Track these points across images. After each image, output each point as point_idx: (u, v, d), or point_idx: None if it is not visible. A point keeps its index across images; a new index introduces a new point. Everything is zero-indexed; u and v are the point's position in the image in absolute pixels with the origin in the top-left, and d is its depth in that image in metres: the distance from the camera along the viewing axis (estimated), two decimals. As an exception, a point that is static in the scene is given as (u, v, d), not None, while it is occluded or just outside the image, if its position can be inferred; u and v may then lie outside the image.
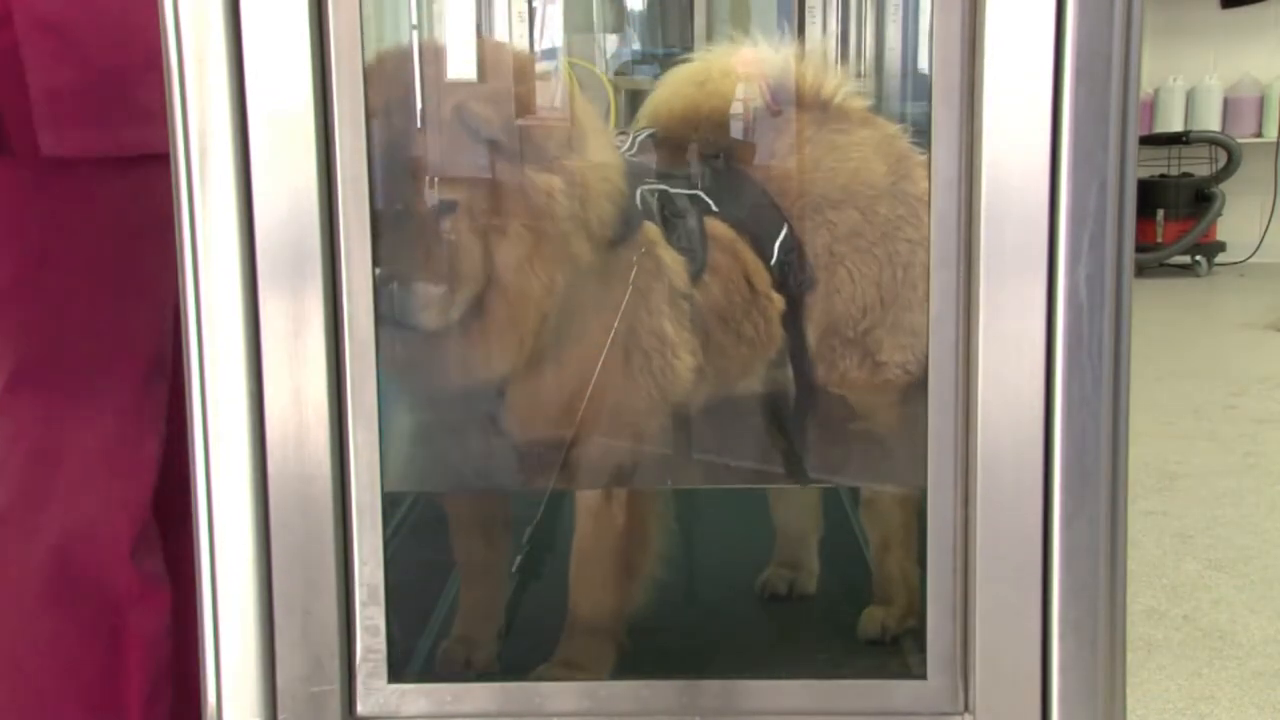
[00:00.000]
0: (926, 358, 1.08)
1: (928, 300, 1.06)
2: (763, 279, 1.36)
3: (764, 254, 1.36)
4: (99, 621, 1.43)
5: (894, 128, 1.44)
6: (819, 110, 1.42)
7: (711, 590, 1.59)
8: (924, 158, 1.24)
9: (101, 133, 1.34)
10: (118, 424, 1.42)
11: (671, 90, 1.43)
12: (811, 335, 1.38)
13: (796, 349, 1.38)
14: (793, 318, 1.37)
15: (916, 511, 1.36)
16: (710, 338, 1.33)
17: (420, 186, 1.21)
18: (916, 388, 1.27)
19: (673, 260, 1.31)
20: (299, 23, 1.00)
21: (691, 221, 1.34)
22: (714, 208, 1.35)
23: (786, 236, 1.36)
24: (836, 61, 1.56)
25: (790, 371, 1.39)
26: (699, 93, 1.41)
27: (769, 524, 1.62)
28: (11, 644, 1.43)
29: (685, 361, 1.31)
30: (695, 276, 1.33)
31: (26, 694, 1.43)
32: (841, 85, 1.43)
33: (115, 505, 1.42)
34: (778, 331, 1.37)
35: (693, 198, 1.35)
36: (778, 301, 1.36)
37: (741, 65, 1.41)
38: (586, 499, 1.35)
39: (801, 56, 1.46)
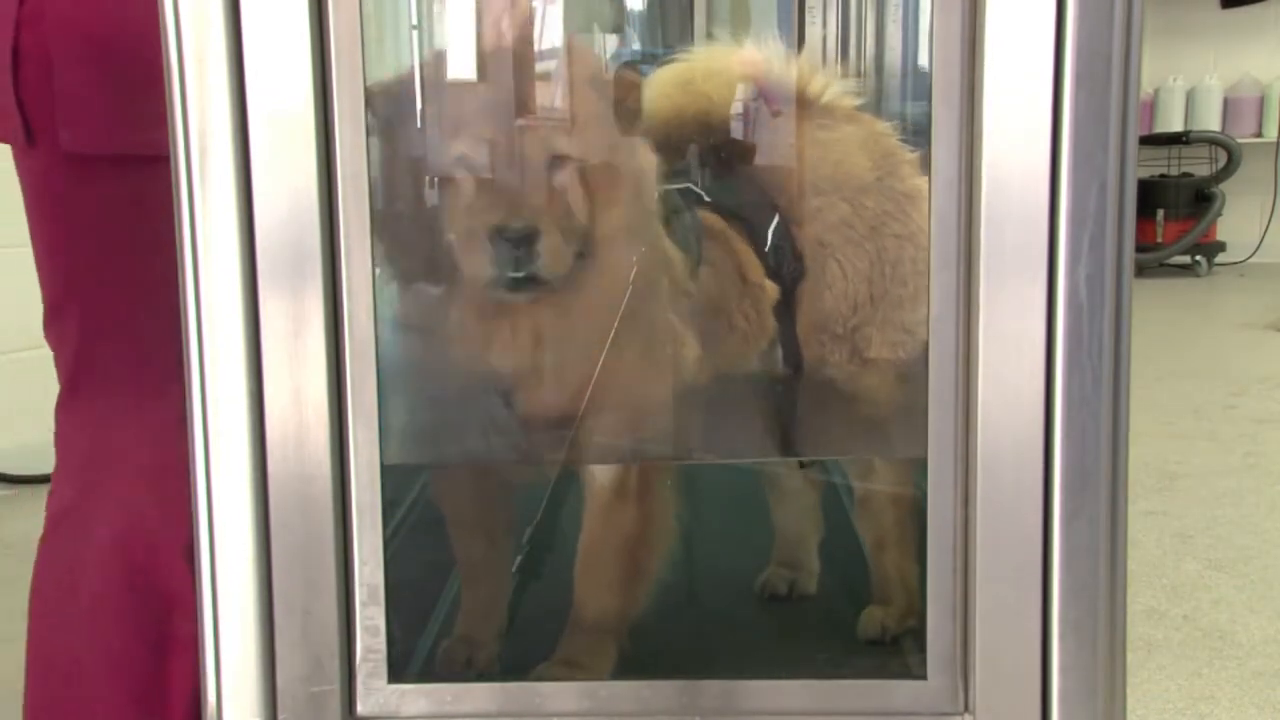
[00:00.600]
0: (914, 355, 1.08)
1: (919, 298, 1.06)
2: (755, 270, 1.37)
3: (756, 244, 1.37)
4: (149, 621, 1.46)
5: (882, 125, 1.44)
6: (804, 108, 1.43)
7: (712, 590, 1.59)
8: (913, 155, 1.25)
9: (121, 132, 1.36)
10: (163, 424, 1.44)
11: (656, 92, 1.44)
12: (802, 328, 1.39)
13: (788, 340, 1.39)
14: (785, 307, 1.38)
15: (911, 511, 1.37)
16: (707, 327, 1.35)
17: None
18: (904, 380, 1.28)
19: (675, 254, 1.33)
20: (299, 22, 1.00)
21: (686, 216, 1.35)
22: (706, 199, 1.37)
23: (776, 226, 1.37)
24: (836, 60, 1.56)
25: (782, 362, 1.40)
26: (683, 95, 1.42)
27: (769, 524, 1.62)
28: (65, 639, 1.45)
29: (691, 350, 1.32)
30: (693, 269, 1.34)
31: (78, 686, 1.44)
32: (828, 85, 1.44)
33: (166, 505, 1.44)
34: (770, 322, 1.38)
35: (684, 192, 1.37)
36: (771, 290, 1.37)
37: (727, 66, 1.42)
38: (595, 497, 1.35)
39: (788, 57, 1.46)
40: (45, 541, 1.46)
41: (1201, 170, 6.48)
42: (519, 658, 1.36)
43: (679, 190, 1.37)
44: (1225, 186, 6.25)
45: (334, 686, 1.09)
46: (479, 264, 1.22)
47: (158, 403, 1.43)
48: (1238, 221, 6.51)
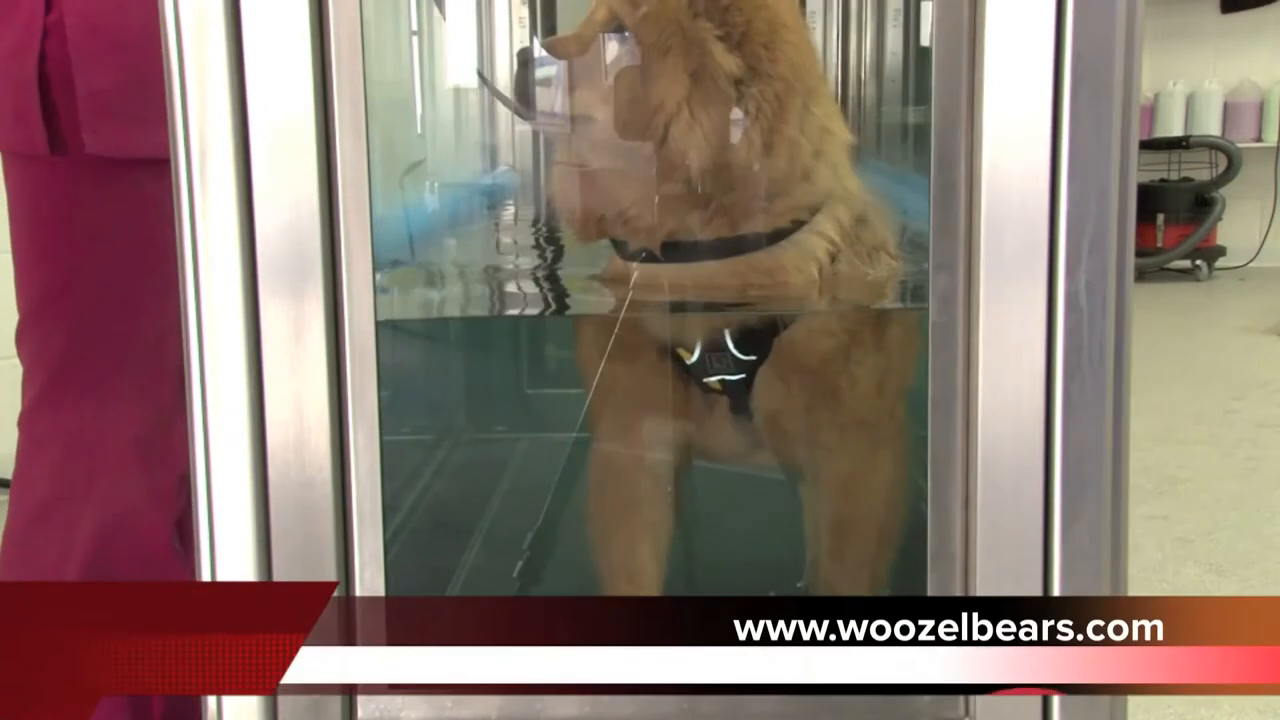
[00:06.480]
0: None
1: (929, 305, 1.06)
2: None
3: None
4: None
5: None
6: None
7: (725, 587, 1.58)
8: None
9: (142, 134, 1.37)
10: (154, 416, 1.44)
11: None
12: None
13: None
14: None
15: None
16: None
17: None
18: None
19: None
20: (299, 26, 1.00)
21: None
22: None
23: None
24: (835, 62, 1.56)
25: None
26: None
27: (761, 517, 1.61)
28: None
29: None
30: None
31: None
32: None
33: (152, 496, 1.44)
34: None
35: None
36: None
37: None
38: None
39: None
40: (12, 546, 1.45)
41: (1201, 175, 6.48)
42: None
43: None
44: (1225, 191, 6.25)
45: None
46: None
47: (141, 395, 1.44)
48: (1238, 226, 6.51)
